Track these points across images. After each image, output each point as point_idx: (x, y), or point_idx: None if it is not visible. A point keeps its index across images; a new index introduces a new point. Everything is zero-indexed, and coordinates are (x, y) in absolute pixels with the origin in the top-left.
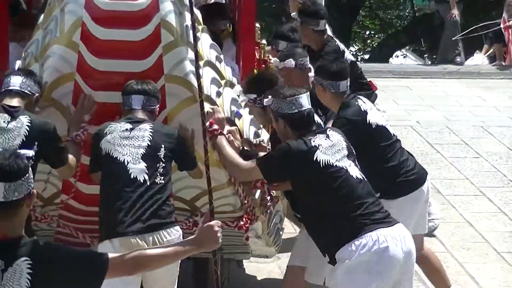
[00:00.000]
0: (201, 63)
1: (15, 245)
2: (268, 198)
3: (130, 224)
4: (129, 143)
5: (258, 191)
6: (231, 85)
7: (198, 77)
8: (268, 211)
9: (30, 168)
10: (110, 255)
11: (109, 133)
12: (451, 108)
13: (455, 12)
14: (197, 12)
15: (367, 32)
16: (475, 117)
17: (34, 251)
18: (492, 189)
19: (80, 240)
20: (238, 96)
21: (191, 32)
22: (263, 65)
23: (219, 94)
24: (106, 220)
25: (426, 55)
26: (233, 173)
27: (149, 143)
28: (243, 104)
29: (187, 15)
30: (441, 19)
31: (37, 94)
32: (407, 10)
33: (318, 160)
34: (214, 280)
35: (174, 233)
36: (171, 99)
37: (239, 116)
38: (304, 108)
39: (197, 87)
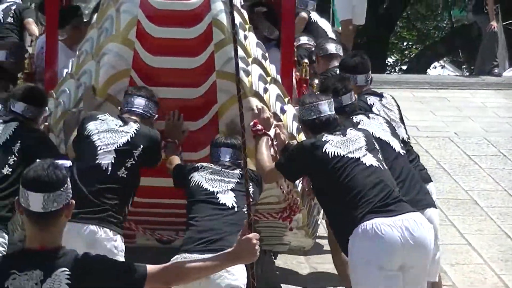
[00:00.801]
0: (249, 60)
1: (53, 255)
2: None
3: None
4: (219, 179)
5: (300, 184)
6: (276, 82)
7: (237, 73)
8: (309, 203)
9: (68, 179)
10: (149, 266)
11: (201, 168)
12: (489, 120)
13: (494, 23)
14: (244, 12)
15: (405, 43)
16: None
17: (73, 262)
18: None
19: (131, 232)
20: (282, 92)
21: (240, 30)
22: (304, 85)
23: (265, 90)
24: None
25: (464, 66)
26: (262, 176)
27: (234, 186)
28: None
29: (236, 15)
30: (479, 30)
31: (156, 116)
32: (445, 21)
33: (327, 152)
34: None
35: None
36: (222, 95)
37: (284, 111)
38: (323, 114)
39: (247, 84)
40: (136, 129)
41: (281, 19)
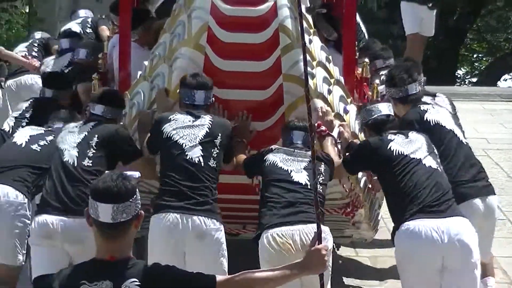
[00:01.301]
0: (313, 63)
1: (123, 266)
2: (371, 186)
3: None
4: (293, 159)
5: (363, 179)
6: (339, 83)
7: (306, 79)
8: (371, 198)
9: (137, 190)
10: (217, 276)
11: (275, 149)
12: None
13: None
14: (309, 17)
15: (475, 55)
16: None
17: (142, 272)
18: None
19: None
20: (345, 93)
21: (306, 35)
22: (365, 83)
23: (329, 92)
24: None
25: None
26: None
27: (307, 165)
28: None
29: (304, 19)
30: None
31: (213, 100)
32: None
33: (392, 149)
34: None
35: None
36: (288, 96)
37: (346, 111)
38: (382, 113)
39: (312, 86)
40: (210, 120)
41: (342, 21)
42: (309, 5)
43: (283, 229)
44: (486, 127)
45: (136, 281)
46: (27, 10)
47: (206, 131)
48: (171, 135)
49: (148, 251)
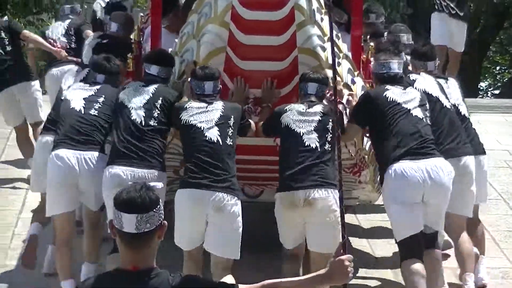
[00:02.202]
0: (325, 38)
1: (146, 276)
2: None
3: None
4: (304, 119)
5: (368, 144)
6: (347, 58)
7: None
8: (375, 162)
9: (160, 200)
10: (240, 286)
11: (289, 111)
12: None
13: None
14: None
15: (498, 68)
16: None
17: (166, 282)
18: None
19: None
20: (353, 66)
21: (318, 14)
22: (369, 64)
23: (339, 64)
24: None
25: None
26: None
27: (320, 119)
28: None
29: (314, 1)
30: None
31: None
32: None
33: (387, 97)
34: None
35: None
36: (302, 67)
37: (354, 82)
38: (392, 70)
39: (324, 58)
40: (223, 104)
41: (351, 6)
42: None
43: (294, 192)
44: (509, 139)
45: None
46: (53, 23)
47: (220, 114)
48: (189, 121)
49: (174, 218)
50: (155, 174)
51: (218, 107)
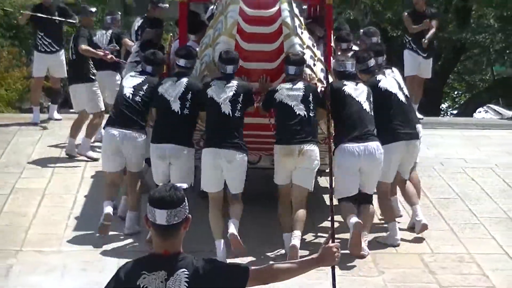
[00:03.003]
0: (304, 46)
1: (175, 259)
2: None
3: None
4: (291, 94)
5: (333, 124)
6: (320, 61)
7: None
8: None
9: (185, 198)
10: (250, 268)
11: (279, 89)
12: None
13: None
14: (301, 18)
15: (455, 92)
16: None
17: (190, 264)
18: None
19: None
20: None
21: (299, 29)
22: None
23: (314, 65)
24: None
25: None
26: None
27: (303, 93)
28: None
29: (296, 20)
30: None
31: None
32: (488, 75)
33: (344, 90)
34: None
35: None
36: None
37: (326, 78)
38: (347, 69)
39: (313, 72)
40: (236, 84)
41: (326, 24)
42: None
43: (291, 146)
44: (464, 150)
45: (185, 271)
46: (98, 32)
47: (234, 92)
48: (211, 95)
49: (201, 169)
50: (185, 150)
51: (233, 85)
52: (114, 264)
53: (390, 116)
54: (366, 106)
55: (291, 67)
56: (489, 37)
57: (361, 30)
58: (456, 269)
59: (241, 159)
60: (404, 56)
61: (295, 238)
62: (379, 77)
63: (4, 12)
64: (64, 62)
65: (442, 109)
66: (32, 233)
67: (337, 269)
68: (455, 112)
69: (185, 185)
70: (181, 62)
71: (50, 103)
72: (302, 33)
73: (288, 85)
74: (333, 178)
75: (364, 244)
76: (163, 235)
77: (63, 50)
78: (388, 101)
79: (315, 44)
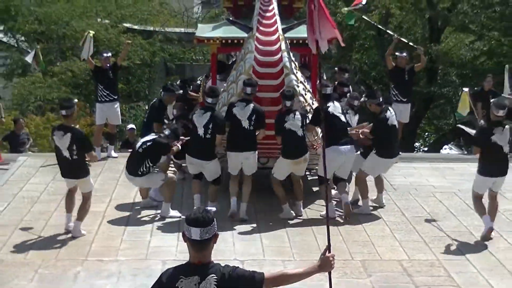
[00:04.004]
0: (298, 82)
1: (206, 267)
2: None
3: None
4: (294, 123)
5: (320, 134)
6: (310, 92)
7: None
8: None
9: (215, 218)
10: (266, 273)
11: (287, 120)
12: None
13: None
14: (295, 62)
15: (426, 133)
16: None
17: (218, 271)
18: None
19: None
20: (312, 96)
21: (294, 69)
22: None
23: (305, 94)
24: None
25: (463, 148)
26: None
27: (301, 122)
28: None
29: (293, 63)
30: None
31: (256, 92)
32: (452, 120)
33: (329, 110)
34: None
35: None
36: None
37: (313, 104)
38: (328, 92)
39: (297, 91)
40: (253, 106)
41: (311, 67)
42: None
43: (297, 159)
44: (433, 178)
45: (214, 276)
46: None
47: (250, 112)
48: (235, 114)
49: (227, 166)
50: (210, 162)
51: (250, 107)
52: (158, 271)
53: (387, 139)
54: (343, 119)
55: (287, 102)
56: (452, 90)
57: (336, 68)
58: (428, 272)
59: (254, 157)
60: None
61: (299, 205)
62: (329, 103)
63: (72, 73)
64: (119, 112)
65: (416, 146)
66: (95, 246)
67: (333, 273)
68: (426, 149)
69: (214, 208)
70: (208, 100)
71: (108, 144)
72: (296, 72)
73: (292, 115)
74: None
75: (347, 199)
76: (197, 248)
77: (118, 103)
78: (335, 122)
79: (305, 80)
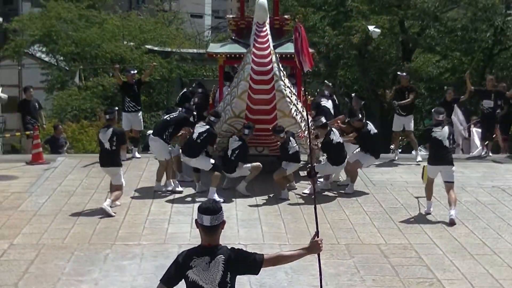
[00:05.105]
0: (285, 85)
1: (216, 249)
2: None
3: None
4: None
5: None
6: (295, 95)
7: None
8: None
9: (222, 208)
10: (265, 255)
11: (290, 142)
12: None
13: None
14: (282, 70)
15: (400, 137)
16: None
17: (225, 252)
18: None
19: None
20: (297, 98)
21: (282, 76)
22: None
23: (291, 95)
24: None
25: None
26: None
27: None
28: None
29: (282, 72)
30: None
31: None
32: (421, 126)
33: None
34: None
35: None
36: (278, 93)
37: (298, 104)
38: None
39: (284, 93)
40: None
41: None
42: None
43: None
44: (406, 175)
45: (222, 256)
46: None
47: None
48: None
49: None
50: (193, 159)
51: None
52: (175, 253)
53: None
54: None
55: (280, 134)
56: (421, 101)
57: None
58: (402, 254)
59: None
60: (394, 117)
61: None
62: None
63: (103, 87)
64: (142, 120)
65: (391, 148)
66: (121, 232)
67: (321, 255)
68: (400, 150)
69: (222, 199)
70: (212, 119)
71: (133, 147)
72: (284, 79)
73: (290, 145)
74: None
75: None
76: (207, 233)
77: (141, 112)
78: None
79: (291, 85)
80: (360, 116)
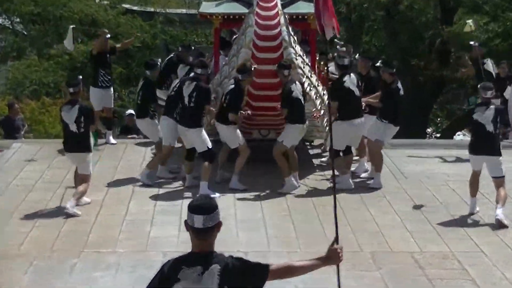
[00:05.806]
0: (296, 53)
1: (209, 256)
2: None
3: None
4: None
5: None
6: (308, 65)
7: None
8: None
9: (218, 206)
10: (271, 265)
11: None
12: None
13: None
14: (294, 36)
15: (438, 119)
16: None
17: (222, 261)
18: None
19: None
20: (310, 68)
21: (293, 43)
22: (322, 72)
23: (304, 66)
24: None
25: None
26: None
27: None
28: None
29: (292, 38)
30: None
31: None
32: (465, 105)
33: (346, 82)
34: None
35: None
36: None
37: (311, 72)
38: (346, 63)
39: (295, 61)
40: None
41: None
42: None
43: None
44: (446, 166)
45: (218, 266)
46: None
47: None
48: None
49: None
50: (190, 130)
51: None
52: (159, 262)
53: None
54: (358, 92)
55: (285, 71)
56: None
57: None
58: (441, 265)
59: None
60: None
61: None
62: (345, 78)
63: (69, 56)
64: (113, 95)
65: (428, 132)
66: (92, 236)
67: (341, 266)
68: (438, 135)
69: (218, 195)
70: (199, 70)
71: (106, 130)
72: (295, 46)
73: (298, 87)
74: (339, 137)
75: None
76: (200, 236)
77: (112, 87)
78: (351, 95)
79: (304, 54)
80: (393, 67)
